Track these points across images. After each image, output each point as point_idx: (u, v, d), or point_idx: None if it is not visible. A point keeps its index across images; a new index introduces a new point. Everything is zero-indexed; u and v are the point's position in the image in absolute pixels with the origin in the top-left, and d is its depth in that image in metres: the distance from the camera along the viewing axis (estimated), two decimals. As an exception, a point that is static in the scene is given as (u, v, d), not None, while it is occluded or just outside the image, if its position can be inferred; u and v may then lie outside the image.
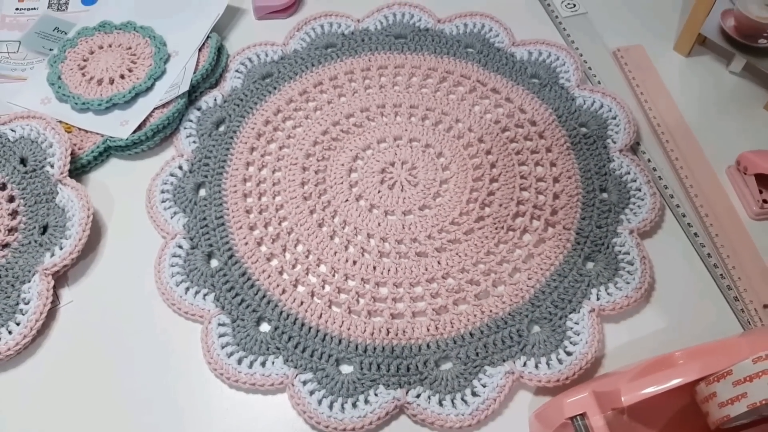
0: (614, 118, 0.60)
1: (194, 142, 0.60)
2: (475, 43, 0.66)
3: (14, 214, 0.54)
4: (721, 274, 0.52)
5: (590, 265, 0.53)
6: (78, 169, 0.59)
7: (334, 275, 0.52)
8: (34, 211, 0.54)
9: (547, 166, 0.58)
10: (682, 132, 0.60)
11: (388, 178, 0.58)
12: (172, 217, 0.55)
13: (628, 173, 0.57)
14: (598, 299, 0.50)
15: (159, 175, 0.58)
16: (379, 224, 0.55)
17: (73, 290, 0.53)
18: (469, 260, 0.53)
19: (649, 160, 0.59)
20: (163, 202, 0.56)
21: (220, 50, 0.66)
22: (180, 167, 0.59)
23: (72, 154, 0.57)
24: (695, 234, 0.54)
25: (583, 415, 0.39)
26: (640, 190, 0.56)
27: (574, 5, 0.69)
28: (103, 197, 0.57)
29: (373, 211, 0.56)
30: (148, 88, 0.62)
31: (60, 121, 0.60)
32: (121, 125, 0.60)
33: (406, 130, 0.61)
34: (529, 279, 0.52)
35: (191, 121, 0.62)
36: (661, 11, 0.70)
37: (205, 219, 0.55)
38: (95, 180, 0.59)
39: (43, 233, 0.53)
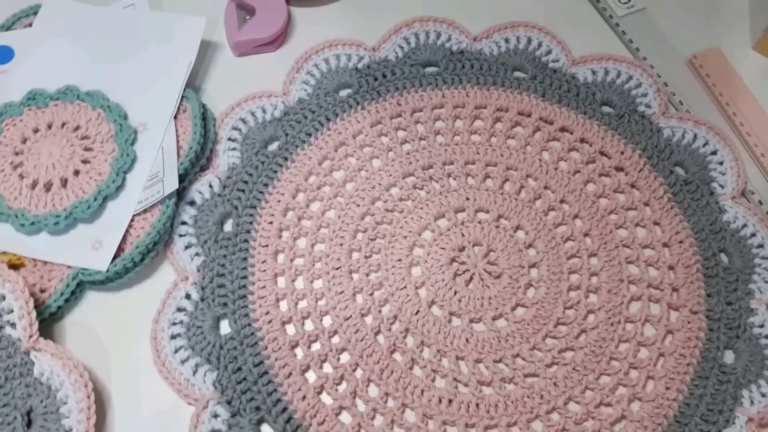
0: (714, 153, 0.50)
1: (197, 254, 0.45)
2: (525, 65, 0.53)
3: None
4: None
5: (729, 356, 0.44)
6: (46, 319, 0.43)
7: (426, 423, 0.41)
8: (7, 394, 0.39)
9: (650, 228, 0.47)
10: (790, 160, 0.50)
11: (462, 271, 0.45)
12: (194, 373, 0.41)
13: (746, 225, 0.47)
14: (752, 404, 0.41)
15: (163, 314, 0.43)
16: (467, 340, 0.43)
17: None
18: (590, 374, 0.42)
19: (760, 203, 0.49)
20: (176, 352, 0.42)
21: (204, 115, 0.49)
22: (188, 296, 0.44)
23: (35, 301, 0.41)
24: (834, 294, 0.46)
25: None
26: (763, 246, 0.46)
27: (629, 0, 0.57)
28: (91, 350, 0.42)
29: (453, 321, 0.44)
30: (119, 187, 0.46)
31: (3, 252, 0.43)
32: (93, 248, 0.44)
33: (467, 198, 0.48)
34: (667, 389, 0.42)
35: (186, 223, 0.46)
36: (725, 3, 0.58)
37: (240, 370, 0.41)
38: (73, 327, 0.43)
39: (29, 425, 0.38)
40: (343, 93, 0.52)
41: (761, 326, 0.44)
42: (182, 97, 0.49)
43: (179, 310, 0.43)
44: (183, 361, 0.41)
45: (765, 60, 0.55)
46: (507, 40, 0.54)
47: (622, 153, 0.49)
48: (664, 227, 0.47)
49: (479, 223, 0.47)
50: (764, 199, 0.49)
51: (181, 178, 0.46)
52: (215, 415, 0.40)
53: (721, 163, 0.49)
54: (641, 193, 0.48)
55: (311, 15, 0.56)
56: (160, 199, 0.45)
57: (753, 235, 0.47)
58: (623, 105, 0.51)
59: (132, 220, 0.45)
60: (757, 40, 0.55)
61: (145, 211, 0.45)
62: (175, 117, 0.49)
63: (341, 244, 0.46)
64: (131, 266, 0.44)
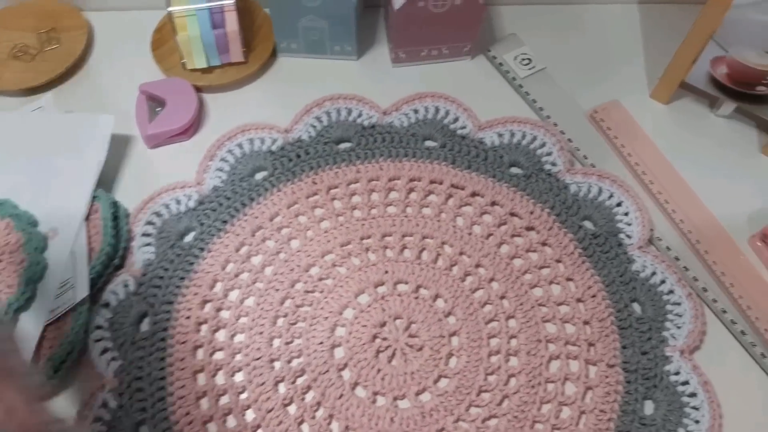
0: (619, 205, 0.51)
1: (114, 358, 0.45)
2: (435, 134, 0.55)
3: None
4: (784, 376, 0.46)
5: (649, 406, 0.45)
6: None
7: None
8: None
9: (564, 284, 0.48)
10: (691, 202, 0.52)
11: (384, 347, 0.46)
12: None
13: (654, 273, 0.49)
14: (674, 455, 0.42)
15: (81, 425, 0.42)
16: (392, 420, 0.43)
17: None
18: (515, 442, 0.43)
19: (668, 248, 0.51)
20: None
21: (115, 213, 0.49)
22: (105, 404, 0.43)
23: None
24: (742, 332, 0.47)
25: None
26: (673, 292, 0.48)
27: (530, 60, 0.59)
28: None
29: (378, 400, 0.44)
30: (29, 299, 0.45)
31: None
32: (5, 364, 0.43)
33: (386, 271, 0.48)
34: (590, 449, 0.43)
35: (102, 327, 0.46)
36: (620, 56, 0.61)
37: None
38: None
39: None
40: (259, 176, 0.53)
41: (677, 373, 0.45)
42: (93, 197, 0.49)
43: (97, 419, 0.42)
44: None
45: (662, 107, 0.58)
46: (416, 111, 0.56)
47: (531, 212, 0.51)
48: (577, 282, 0.48)
49: (399, 295, 0.48)
50: (671, 245, 0.51)
51: (94, 282, 0.46)
52: None
53: (626, 214, 0.51)
54: (553, 250, 0.50)
55: (223, 100, 0.57)
56: (71, 306, 0.45)
57: (662, 282, 0.48)
58: (530, 165, 0.53)
59: (44, 330, 0.44)
60: (654, 88, 0.57)
61: (57, 319, 0.45)
62: (87, 218, 0.49)
63: (261, 332, 0.46)
64: (47, 379, 0.43)
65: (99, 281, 0.47)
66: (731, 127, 0.57)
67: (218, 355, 0.45)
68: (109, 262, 0.47)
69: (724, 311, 0.48)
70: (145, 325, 0.46)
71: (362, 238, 0.50)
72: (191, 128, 0.55)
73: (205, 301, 0.47)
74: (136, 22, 0.60)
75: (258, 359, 0.45)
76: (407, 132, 0.55)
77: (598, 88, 0.58)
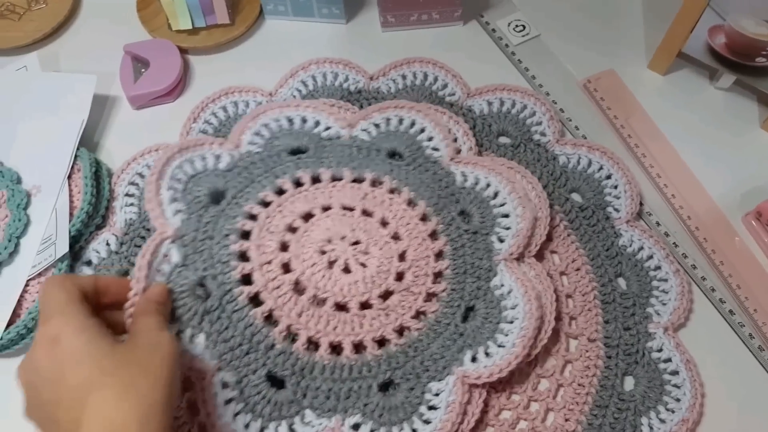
0: (608, 178, 0.50)
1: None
2: (421, 101, 0.53)
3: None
4: (770, 356, 0.45)
5: (629, 382, 0.44)
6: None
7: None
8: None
9: (548, 257, 0.48)
10: (684, 177, 0.51)
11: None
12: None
13: (642, 248, 0.47)
14: (651, 431, 0.42)
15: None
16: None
17: None
18: (491, 410, 0.42)
19: (658, 224, 0.49)
20: None
21: (97, 173, 0.49)
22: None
23: None
24: (731, 311, 0.46)
25: None
26: (660, 268, 0.47)
27: (524, 27, 0.57)
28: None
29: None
30: (12, 253, 0.45)
31: None
32: (-17, 317, 0.43)
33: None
34: (566, 421, 0.42)
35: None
36: (619, 24, 0.59)
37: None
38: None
39: (464, 320, 0.42)
40: (242, 140, 0.52)
41: (659, 350, 0.44)
42: (75, 156, 0.49)
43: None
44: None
45: (660, 78, 0.56)
46: (404, 77, 0.55)
47: (518, 183, 0.50)
48: (561, 255, 0.47)
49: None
50: (661, 220, 0.50)
51: (76, 239, 0.46)
52: None
53: (615, 187, 0.50)
54: (538, 222, 0.49)
55: (208, 63, 0.56)
56: (53, 262, 0.45)
57: (650, 257, 0.47)
58: (519, 135, 0.52)
59: (26, 285, 0.45)
60: (652, 59, 0.56)
61: (39, 274, 0.45)
62: (70, 177, 0.48)
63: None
64: (25, 333, 0.43)
65: (81, 239, 0.47)
66: (731, 101, 0.55)
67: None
68: (90, 221, 0.47)
69: (713, 290, 0.47)
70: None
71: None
72: (176, 90, 0.54)
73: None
74: (122, -18, 0.59)
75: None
76: (394, 98, 0.53)
77: (594, 57, 0.56)
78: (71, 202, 0.47)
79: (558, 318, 0.45)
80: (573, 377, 0.44)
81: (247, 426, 0.39)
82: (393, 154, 0.48)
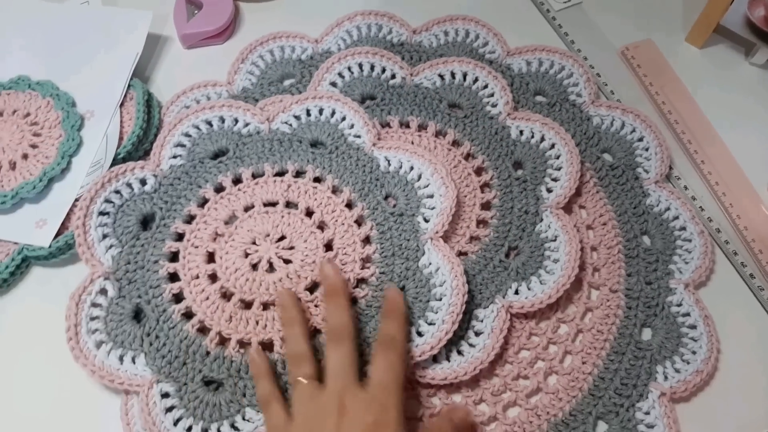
0: (641, 140, 0.51)
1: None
2: (462, 57, 0.55)
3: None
4: (787, 320, 0.46)
5: (647, 333, 0.45)
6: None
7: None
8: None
9: (576, 211, 0.49)
10: (716, 147, 0.52)
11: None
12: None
13: (668, 209, 0.49)
14: (666, 379, 0.43)
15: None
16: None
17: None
18: (510, 349, 0.44)
19: (686, 188, 0.51)
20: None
21: (149, 102, 0.51)
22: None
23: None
24: (751, 275, 0.47)
25: None
26: (685, 229, 0.48)
27: (567, -6, 0.59)
28: (35, 321, 0.44)
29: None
30: (64, 170, 0.48)
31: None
32: (37, 227, 0.46)
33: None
34: (583, 363, 0.44)
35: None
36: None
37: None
38: (18, 300, 0.45)
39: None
40: (287, 83, 0.54)
41: (679, 305, 0.45)
42: (129, 86, 0.51)
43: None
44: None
45: (696, 51, 0.57)
46: (446, 33, 0.56)
47: (551, 139, 0.51)
48: (589, 209, 0.49)
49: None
50: (689, 184, 0.51)
51: (125, 160, 0.48)
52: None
53: (646, 149, 0.51)
54: (569, 177, 0.50)
55: (258, 9, 0.58)
56: (101, 184, 0.47)
57: (676, 218, 0.48)
58: (555, 94, 0.53)
59: (75, 204, 0.47)
60: (689, 32, 0.57)
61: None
62: (122, 105, 0.51)
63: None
64: (73, 243, 0.45)
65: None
66: (766, 77, 0.56)
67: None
68: (140, 145, 0.49)
69: (735, 253, 0.48)
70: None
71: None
72: (225, 32, 0.56)
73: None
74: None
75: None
76: (435, 53, 0.55)
77: (633, 28, 0.58)
78: (121, 128, 0.50)
79: (582, 268, 0.47)
80: (593, 324, 0.45)
81: (189, 429, 0.40)
82: (315, 144, 0.49)
